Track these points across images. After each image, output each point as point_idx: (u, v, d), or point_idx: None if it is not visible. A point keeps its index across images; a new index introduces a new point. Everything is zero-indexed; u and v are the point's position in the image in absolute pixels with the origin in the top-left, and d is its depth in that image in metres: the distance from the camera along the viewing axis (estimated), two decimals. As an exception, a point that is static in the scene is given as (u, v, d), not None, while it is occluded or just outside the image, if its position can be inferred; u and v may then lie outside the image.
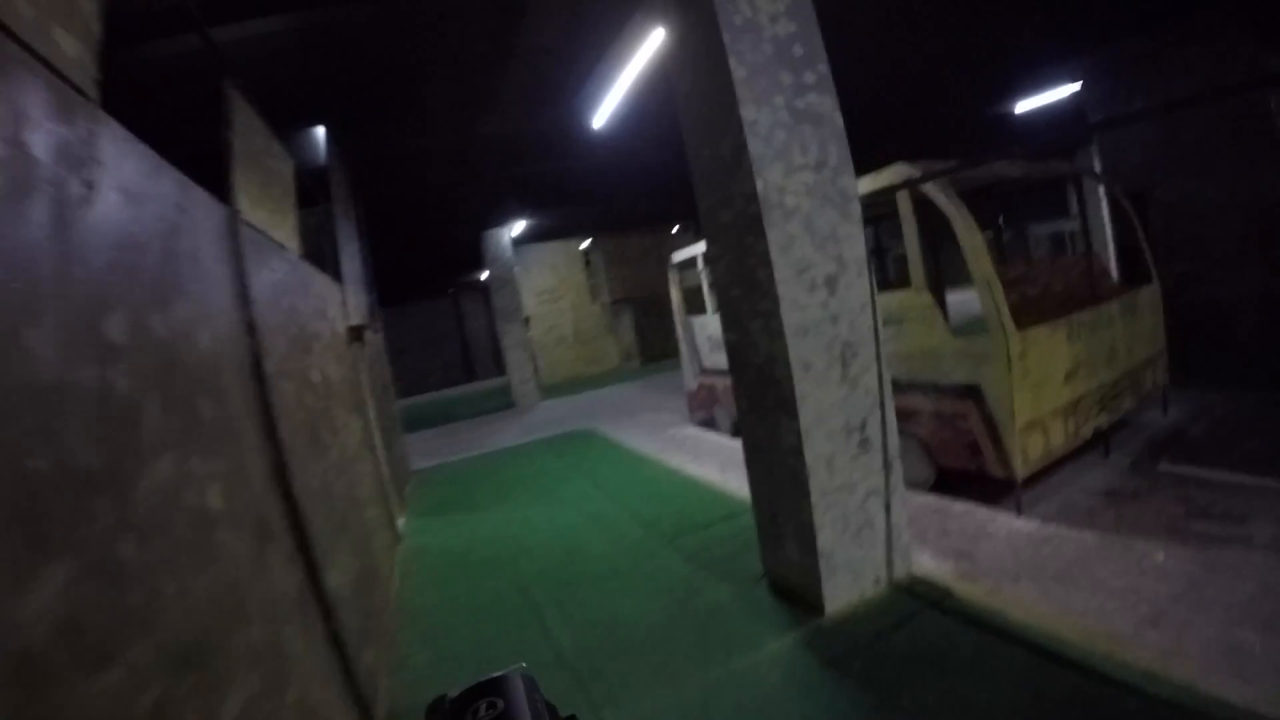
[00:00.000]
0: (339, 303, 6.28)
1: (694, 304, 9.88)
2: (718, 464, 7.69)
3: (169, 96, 5.95)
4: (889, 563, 4.33)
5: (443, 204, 13.24)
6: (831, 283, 3.93)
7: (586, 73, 8.32)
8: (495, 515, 7.16)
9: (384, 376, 9.80)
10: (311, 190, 7.44)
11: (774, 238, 3.74)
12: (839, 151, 3.99)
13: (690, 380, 9.89)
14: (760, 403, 4.14)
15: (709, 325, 8.96)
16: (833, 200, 3.96)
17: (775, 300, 3.75)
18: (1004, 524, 4.86)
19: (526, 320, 18.39)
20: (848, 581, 4.16)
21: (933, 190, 5.08)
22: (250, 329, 2.90)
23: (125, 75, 5.43)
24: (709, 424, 9.75)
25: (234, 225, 3.02)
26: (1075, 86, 11.23)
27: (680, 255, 9.36)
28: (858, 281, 4.03)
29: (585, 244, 22.17)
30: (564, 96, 8.95)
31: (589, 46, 8.08)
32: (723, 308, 4.33)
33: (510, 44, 7.64)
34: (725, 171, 3.95)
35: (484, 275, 22.22)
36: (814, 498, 3.94)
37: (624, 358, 22.74)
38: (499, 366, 28.34)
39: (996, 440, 5.03)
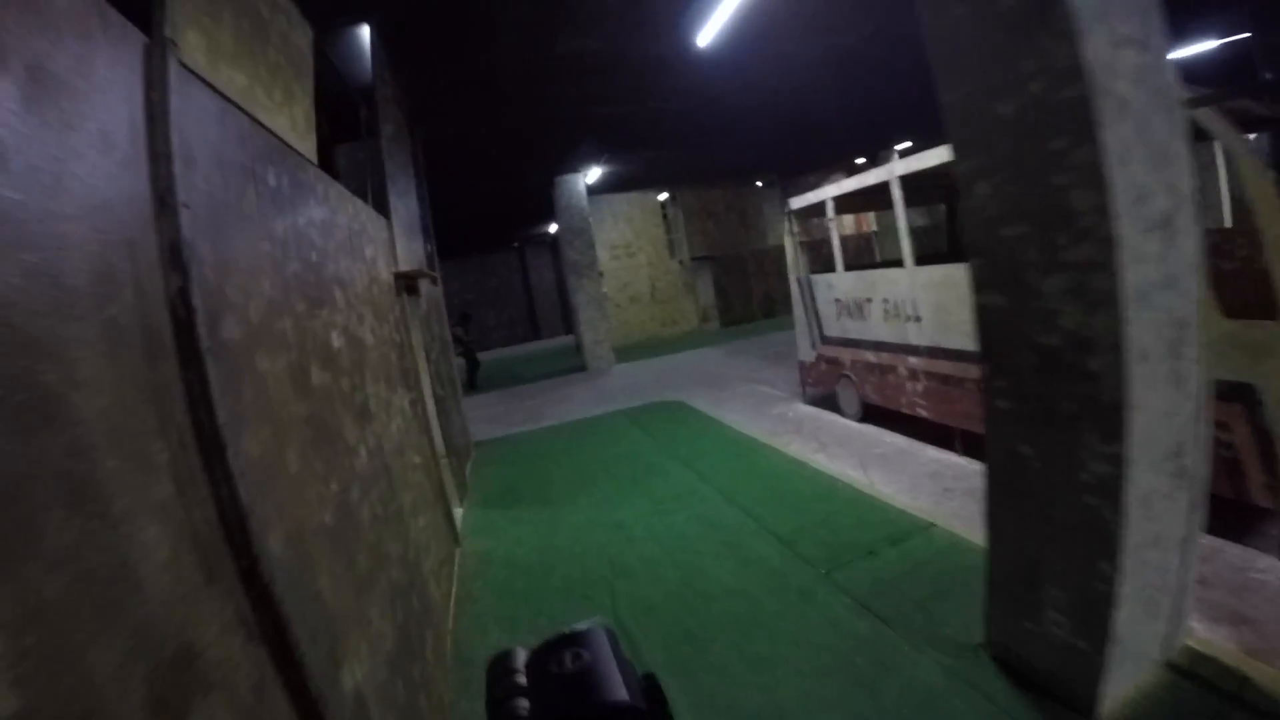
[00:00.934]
0: (385, 242, 4.91)
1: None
2: (853, 457, 6.13)
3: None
4: (1166, 634, 2.88)
5: (512, 143, 11.82)
6: (1168, 225, 2.33)
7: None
8: (578, 512, 5.78)
9: (442, 334, 8.53)
10: (359, 119, 6.06)
11: (1110, 140, 2.15)
12: (1160, 30, 2.38)
13: (806, 349, 8.31)
14: (1043, 406, 2.57)
15: (836, 285, 7.34)
16: (1161, 99, 2.35)
17: (1108, 243, 2.18)
18: (1271, 572, 3.50)
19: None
20: (1128, 669, 2.74)
21: (1208, 118, 3.53)
22: (176, 258, 1.49)
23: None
24: (825, 402, 8.18)
25: (158, 67, 1.60)
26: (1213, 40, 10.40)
27: (801, 200, 7.73)
28: (1192, 228, 2.42)
29: (663, 196, 20.45)
30: (663, 5, 7.34)
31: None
32: (978, 254, 2.73)
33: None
34: (1009, 35, 2.36)
35: (552, 228, 20.89)
36: (1122, 557, 2.43)
37: (702, 319, 21.12)
38: (566, 325, 27.20)
39: (1270, 459, 3.76)
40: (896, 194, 6.01)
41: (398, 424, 3.80)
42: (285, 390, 2.03)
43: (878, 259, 7.02)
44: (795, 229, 8.11)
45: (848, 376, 7.37)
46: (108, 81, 1.39)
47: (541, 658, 0.64)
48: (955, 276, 5.42)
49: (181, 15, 1.84)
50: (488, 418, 11.04)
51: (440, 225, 11.08)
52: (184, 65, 1.74)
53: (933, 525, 4.45)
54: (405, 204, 6.80)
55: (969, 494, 4.80)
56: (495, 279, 29.12)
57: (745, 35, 7.63)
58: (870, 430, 6.93)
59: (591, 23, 7.24)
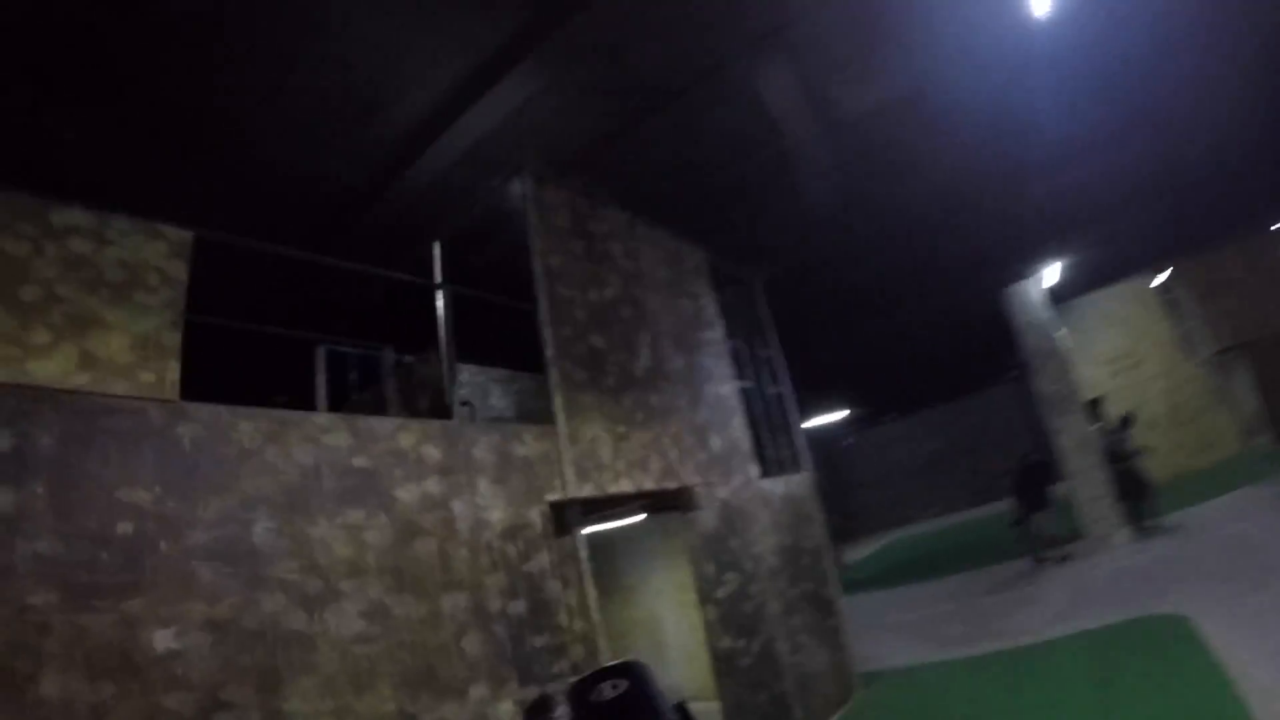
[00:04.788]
0: (501, 461, 3.87)
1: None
2: None
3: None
4: None
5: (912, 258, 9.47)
6: None
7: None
8: None
9: (814, 538, 6.91)
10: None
11: None
12: None
13: None
14: None
15: None
16: None
17: None
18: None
19: (1094, 403, 12.73)
20: None
21: None
22: None
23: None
24: None
25: None
26: None
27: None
28: None
29: (1160, 278, 15.04)
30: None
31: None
32: None
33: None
34: None
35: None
36: None
37: (1245, 436, 14.23)
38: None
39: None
40: None
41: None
42: None
43: None
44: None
45: None
46: None
47: (582, 689, 0.71)
48: None
49: None
50: (912, 626, 8.45)
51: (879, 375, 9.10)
52: None
53: None
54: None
55: None
56: (998, 419, 24.63)
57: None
58: None
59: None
